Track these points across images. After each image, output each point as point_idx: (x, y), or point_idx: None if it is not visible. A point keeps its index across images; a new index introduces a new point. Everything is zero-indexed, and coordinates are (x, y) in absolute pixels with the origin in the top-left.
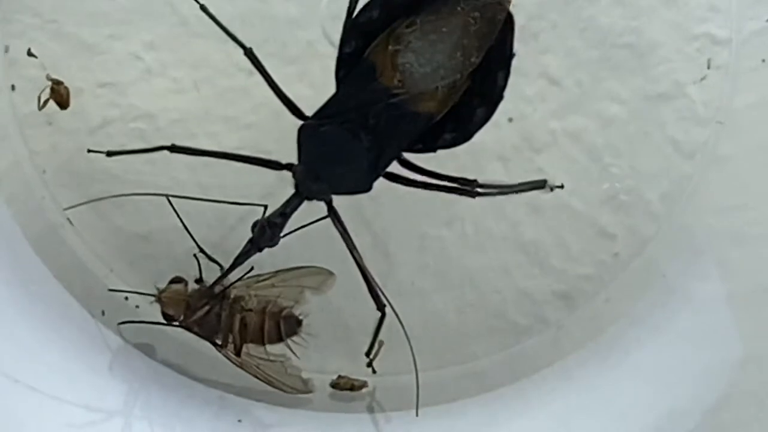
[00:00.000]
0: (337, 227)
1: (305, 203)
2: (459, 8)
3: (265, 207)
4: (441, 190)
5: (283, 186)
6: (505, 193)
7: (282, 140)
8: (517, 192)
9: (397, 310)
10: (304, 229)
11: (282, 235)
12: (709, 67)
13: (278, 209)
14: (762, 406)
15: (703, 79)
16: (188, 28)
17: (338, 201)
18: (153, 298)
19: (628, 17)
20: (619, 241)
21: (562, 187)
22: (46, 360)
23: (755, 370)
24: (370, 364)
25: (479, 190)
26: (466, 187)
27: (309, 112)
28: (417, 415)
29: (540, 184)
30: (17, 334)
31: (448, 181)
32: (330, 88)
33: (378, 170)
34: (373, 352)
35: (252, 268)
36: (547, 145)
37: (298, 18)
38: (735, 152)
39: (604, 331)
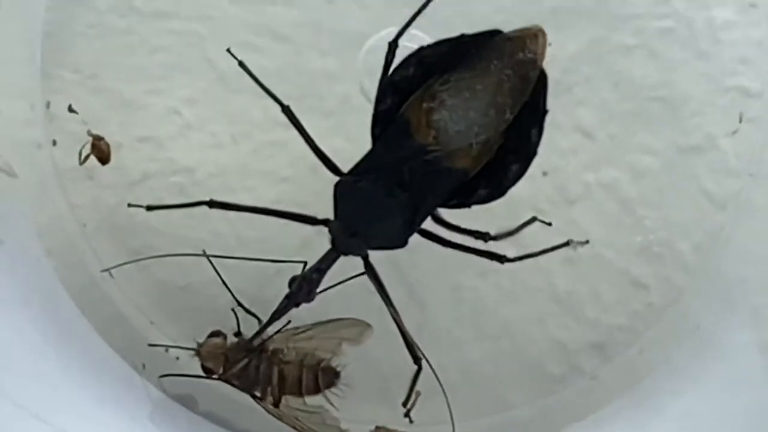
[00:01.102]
0: (373, 282)
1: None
2: (492, 66)
3: (305, 264)
4: (472, 253)
5: (321, 238)
6: (531, 256)
7: (319, 194)
8: (543, 253)
9: (432, 360)
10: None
11: (318, 291)
12: (741, 120)
13: (314, 265)
14: None
15: (735, 132)
16: (226, 83)
17: (374, 252)
18: (193, 352)
19: (660, 70)
20: (653, 291)
21: (587, 242)
22: (88, 412)
23: None
24: (407, 415)
25: (508, 256)
26: (495, 256)
27: (346, 164)
28: None
29: (565, 244)
30: (58, 386)
31: (466, 234)
32: (366, 141)
33: (413, 226)
34: (410, 402)
35: (289, 322)
36: (581, 197)
37: (335, 72)
38: (767, 203)
39: (639, 381)
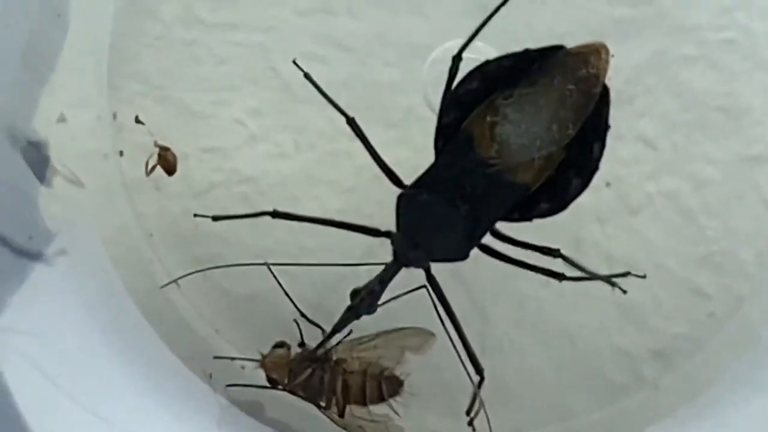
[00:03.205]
0: (435, 294)
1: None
2: (555, 81)
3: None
4: (531, 270)
5: (384, 248)
6: (588, 279)
7: (384, 203)
8: (600, 279)
9: (494, 369)
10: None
11: (380, 303)
12: None
13: (377, 277)
14: None
15: None
16: (291, 94)
17: (439, 265)
18: (257, 364)
19: (722, 81)
20: (714, 300)
21: (644, 277)
22: (155, 420)
23: None
24: (470, 423)
25: (566, 274)
26: (553, 274)
27: (411, 174)
28: None
29: (623, 275)
30: (125, 395)
31: (535, 250)
32: (430, 152)
33: (475, 239)
34: (474, 411)
35: (351, 332)
36: (643, 207)
37: (399, 83)
38: None
39: (702, 391)
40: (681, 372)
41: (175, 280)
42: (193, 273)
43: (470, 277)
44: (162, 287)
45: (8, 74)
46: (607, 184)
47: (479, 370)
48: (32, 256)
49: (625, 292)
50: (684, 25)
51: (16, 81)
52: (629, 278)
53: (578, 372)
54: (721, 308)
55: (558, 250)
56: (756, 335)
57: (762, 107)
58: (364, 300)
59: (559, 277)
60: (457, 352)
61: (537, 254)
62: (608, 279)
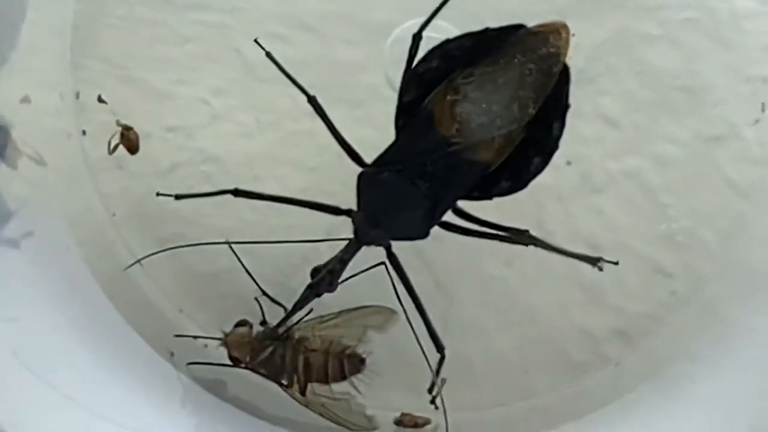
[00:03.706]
0: (396, 272)
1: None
2: (515, 60)
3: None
4: (495, 239)
5: (346, 227)
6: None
7: (346, 182)
8: (567, 255)
9: (457, 348)
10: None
11: (340, 281)
12: (763, 110)
13: (336, 255)
14: None
15: (757, 121)
16: (254, 73)
17: (402, 244)
18: (219, 342)
19: (684, 60)
20: (677, 279)
21: (616, 263)
22: (118, 397)
23: None
24: (433, 401)
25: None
26: (519, 237)
27: (373, 152)
28: None
29: (593, 261)
30: (89, 372)
31: (501, 230)
32: (392, 131)
33: (435, 217)
34: (435, 389)
35: (311, 310)
36: (605, 186)
37: (361, 63)
38: None
39: (663, 368)
40: (642, 350)
41: (138, 261)
42: (156, 253)
43: (435, 257)
44: (126, 269)
45: None
46: (568, 163)
47: (440, 348)
48: None
49: (616, 263)
50: (646, 3)
51: None
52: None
53: (541, 351)
54: (683, 287)
55: (527, 231)
56: (717, 313)
57: (724, 86)
58: (325, 278)
59: (526, 242)
60: (413, 330)
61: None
62: (587, 258)
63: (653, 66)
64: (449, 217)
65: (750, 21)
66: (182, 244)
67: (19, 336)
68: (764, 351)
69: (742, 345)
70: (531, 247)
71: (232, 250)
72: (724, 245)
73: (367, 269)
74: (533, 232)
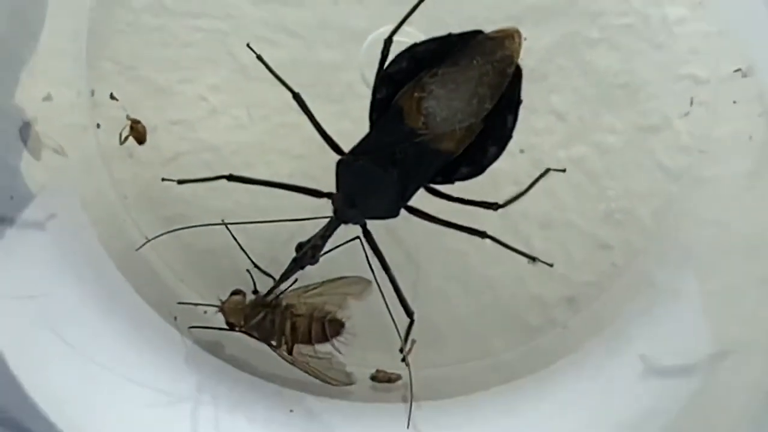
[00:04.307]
0: (369, 246)
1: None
2: (475, 62)
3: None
4: (454, 228)
5: (327, 206)
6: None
7: (328, 169)
8: (516, 252)
9: (425, 313)
10: (349, 244)
11: (321, 254)
12: (692, 104)
13: (318, 232)
14: (731, 379)
15: (687, 114)
16: (246, 73)
17: (376, 223)
18: (216, 309)
19: (622, 60)
20: (616, 252)
21: (551, 265)
22: (129, 356)
23: (723, 354)
24: (404, 360)
25: (487, 232)
26: (475, 231)
27: (350, 142)
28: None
29: (531, 258)
30: (104, 335)
31: (482, 206)
32: (367, 123)
33: (404, 199)
34: (406, 349)
35: (296, 280)
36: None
37: (340, 63)
38: (714, 175)
39: (603, 329)
40: (587, 313)
41: (148, 241)
42: (164, 234)
43: (405, 235)
44: (137, 249)
45: None
46: (521, 151)
47: (409, 314)
48: (15, 219)
49: (551, 265)
50: (589, 11)
51: None
52: (543, 233)
53: (498, 316)
54: (621, 259)
55: (497, 203)
56: (650, 281)
57: (656, 83)
58: (308, 252)
59: (482, 234)
60: (383, 297)
61: (460, 215)
62: (528, 256)
63: (595, 66)
64: (418, 203)
65: (680, 26)
66: (184, 224)
67: (47, 307)
68: (689, 312)
69: (670, 307)
70: (490, 225)
71: (228, 229)
72: (656, 222)
73: (345, 243)
74: (490, 213)
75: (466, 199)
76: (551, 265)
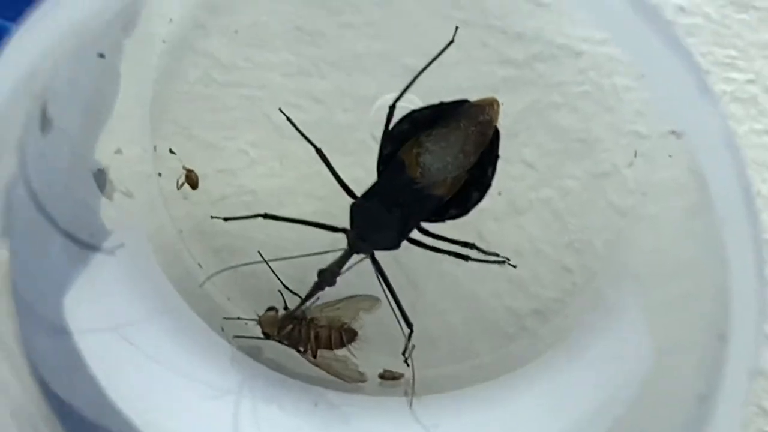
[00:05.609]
0: (377, 272)
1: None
2: (461, 124)
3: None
4: (444, 253)
5: (343, 240)
6: (486, 261)
7: (344, 209)
8: (492, 262)
9: (421, 324)
10: (360, 271)
11: (337, 277)
12: (635, 156)
13: (335, 261)
14: (668, 381)
15: (631, 163)
16: (279, 132)
17: (382, 252)
18: (255, 322)
19: (580, 120)
20: (576, 274)
21: (515, 266)
22: (186, 359)
23: (659, 358)
24: (405, 361)
25: (470, 257)
26: (463, 253)
27: (362, 189)
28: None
29: (501, 262)
30: (167, 343)
31: (461, 245)
32: (375, 173)
33: (405, 235)
34: (407, 352)
35: (318, 298)
36: (527, 210)
37: (353, 124)
38: (654, 212)
39: (566, 337)
40: (552, 324)
41: (208, 278)
42: (217, 273)
43: (406, 261)
44: (200, 285)
45: (76, 120)
46: (499, 193)
47: (409, 325)
48: (96, 249)
49: (515, 266)
50: (552, 81)
51: (83, 125)
52: (517, 260)
53: (480, 325)
54: (581, 279)
55: (474, 244)
56: (603, 298)
57: (608, 139)
58: (327, 277)
59: (465, 258)
60: (393, 311)
61: (450, 243)
62: (500, 261)
63: (559, 125)
64: (416, 235)
65: (627, 93)
66: (229, 252)
67: (120, 319)
68: (633, 324)
69: (618, 320)
70: (474, 252)
71: (265, 261)
72: (607, 250)
73: (357, 263)
74: (478, 243)
75: (448, 237)
76: (515, 266)
